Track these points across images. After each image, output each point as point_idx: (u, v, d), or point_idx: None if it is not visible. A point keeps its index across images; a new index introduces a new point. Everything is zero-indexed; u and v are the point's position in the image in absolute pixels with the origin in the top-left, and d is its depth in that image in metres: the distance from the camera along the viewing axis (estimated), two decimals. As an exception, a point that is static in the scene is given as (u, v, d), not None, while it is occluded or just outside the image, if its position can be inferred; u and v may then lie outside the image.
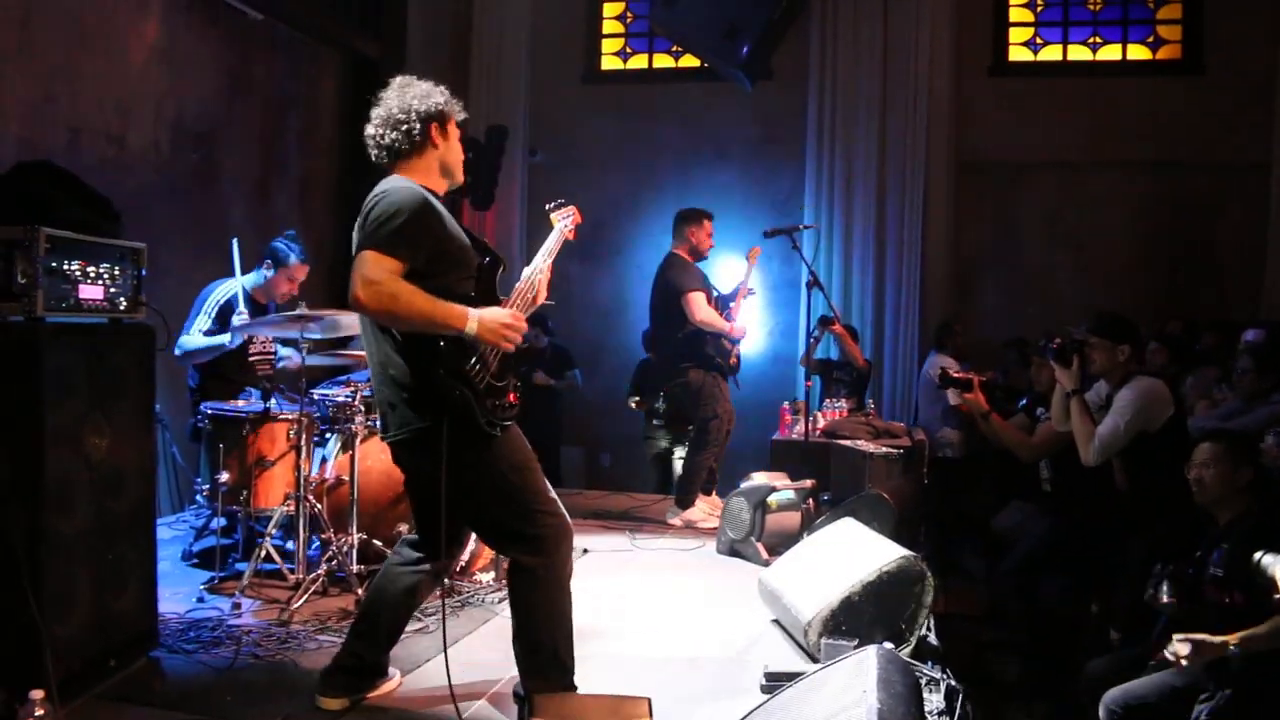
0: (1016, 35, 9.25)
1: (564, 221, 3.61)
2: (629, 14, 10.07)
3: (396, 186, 3.12)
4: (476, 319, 3.01)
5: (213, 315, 5.12)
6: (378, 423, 3.34)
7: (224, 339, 5.04)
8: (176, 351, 5.02)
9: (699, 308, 6.23)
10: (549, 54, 9.58)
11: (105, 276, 3.47)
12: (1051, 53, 9.22)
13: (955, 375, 5.93)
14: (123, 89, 5.94)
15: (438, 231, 3.10)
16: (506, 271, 3.36)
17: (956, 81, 8.90)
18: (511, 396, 3.21)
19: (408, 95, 3.28)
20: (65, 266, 3.29)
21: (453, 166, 3.36)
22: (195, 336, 5.10)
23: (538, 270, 3.43)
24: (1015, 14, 9.25)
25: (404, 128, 3.23)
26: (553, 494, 3.26)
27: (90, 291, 3.40)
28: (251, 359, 5.32)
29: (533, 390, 7.87)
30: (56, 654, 3.02)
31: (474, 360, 3.05)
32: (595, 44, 10.05)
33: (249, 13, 6.91)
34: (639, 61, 10.07)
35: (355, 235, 3.07)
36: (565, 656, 3.23)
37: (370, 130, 3.27)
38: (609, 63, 10.08)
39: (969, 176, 8.98)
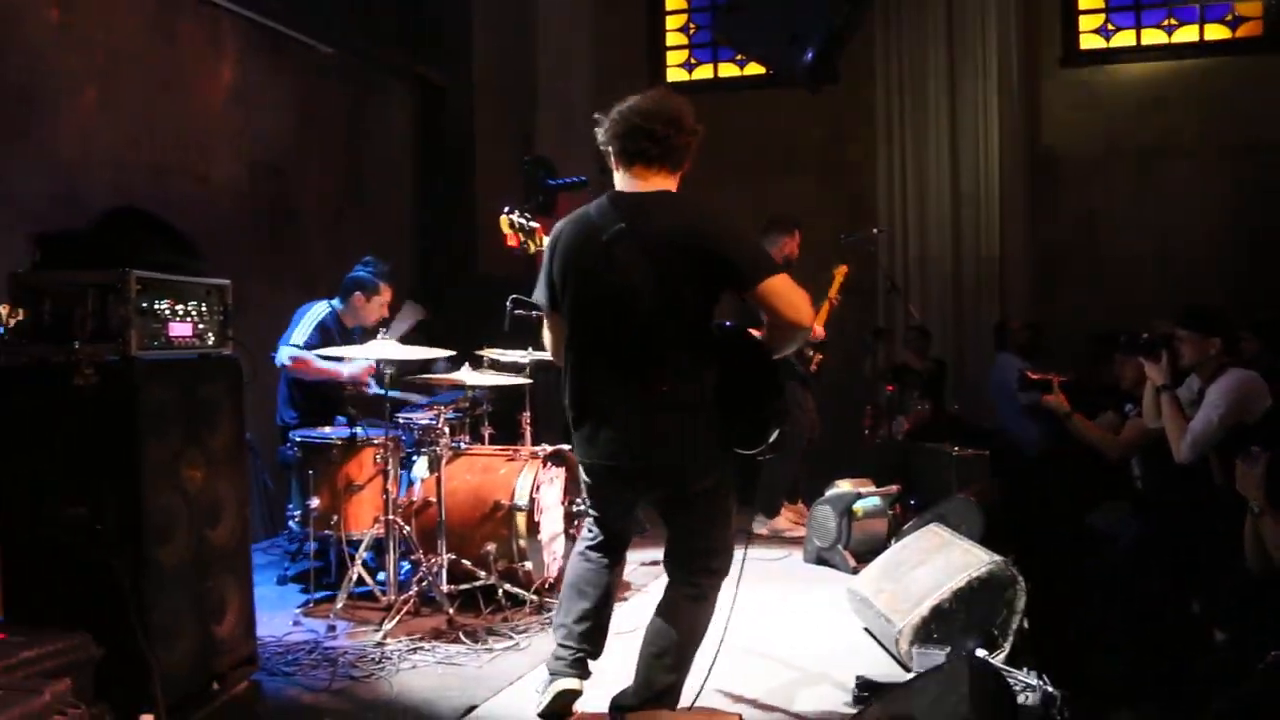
0: (1087, 23, 9.06)
1: None
2: (692, 25, 10.10)
3: (709, 205, 3.13)
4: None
5: (310, 328, 5.27)
6: (611, 445, 3.14)
7: (343, 367, 5.16)
8: (286, 360, 5.18)
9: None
10: (613, 69, 9.63)
11: (193, 313, 3.58)
12: (1124, 38, 9.01)
13: (1034, 377, 5.83)
14: (202, 129, 6.12)
15: None
16: None
17: (1027, 75, 8.75)
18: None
19: (688, 107, 3.17)
20: (155, 306, 3.40)
21: None
22: (310, 355, 5.21)
23: None
24: (1085, 0, 9.06)
25: (687, 140, 3.15)
26: None
27: (180, 329, 3.51)
28: (346, 391, 5.42)
29: None
30: (163, 680, 3.12)
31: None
32: (659, 57, 10.09)
33: (318, 47, 7.07)
34: (704, 72, 10.08)
35: (689, 256, 3.01)
36: (684, 682, 3.25)
37: (644, 122, 3.11)
38: (674, 74, 10.11)
39: (1044, 170, 8.82)
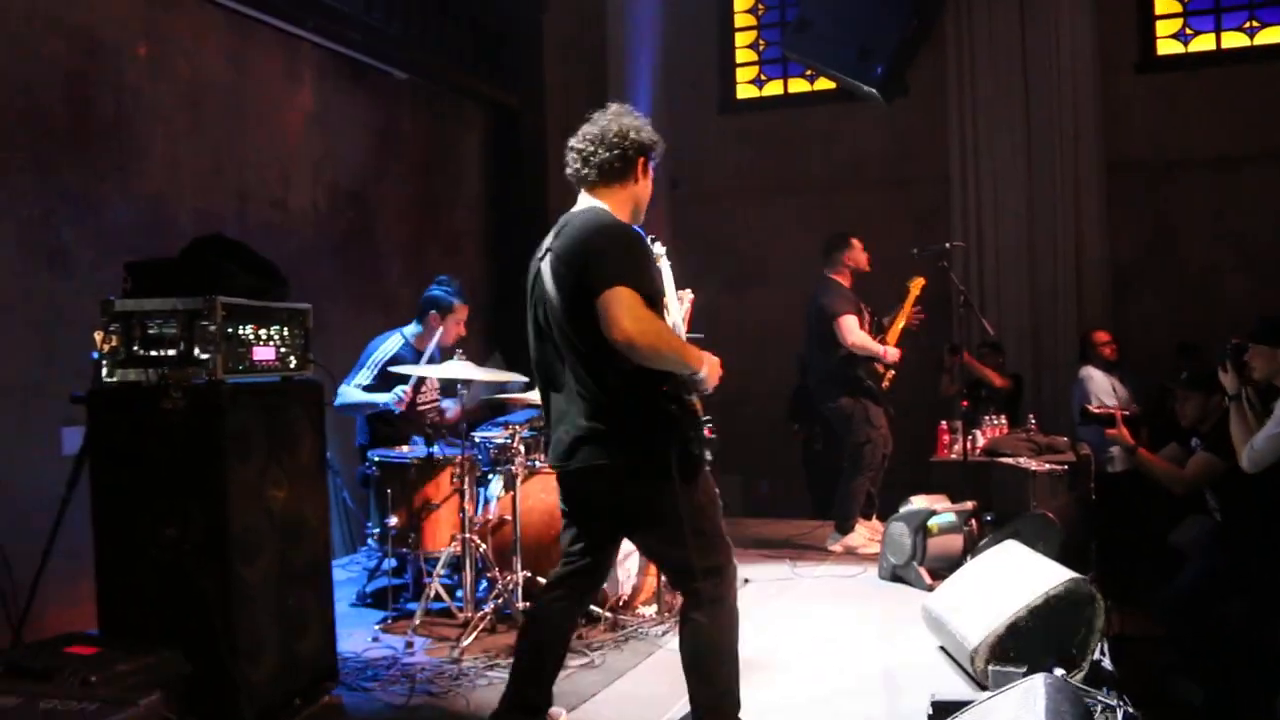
0: (1164, 28, 8.87)
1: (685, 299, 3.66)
2: (761, 41, 10.11)
3: (609, 219, 3.14)
4: (706, 362, 3.08)
5: (375, 372, 5.34)
6: (551, 453, 3.28)
7: (382, 398, 5.22)
8: (336, 402, 5.26)
9: (850, 331, 6.23)
10: (684, 88, 9.66)
11: (276, 338, 3.70)
12: (1204, 42, 8.81)
13: (1096, 411, 5.72)
14: (283, 156, 6.30)
15: (652, 266, 3.18)
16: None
17: (1102, 82, 8.59)
18: (708, 431, 3.29)
19: (625, 120, 3.26)
20: (240, 331, 3.52)
21: (642, 207, 3.33)
22: (354, 391, 5.32)
23: (679, 307, 3.49)
24: (1161, 4, 8.84)
25: (618, 151, 3.21)
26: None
27: (263, 352, 3.63)
28: (420, 408, 5.51)
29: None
30: (249, 695, 3.22)
31: (692, 396, 3.12)
32: (730, 74, 10.12)
33: (394, 73, 7.23)
34: (774, 88, 10.09)
35: (570, 269, 3.05)
36: (736, 690, 3.22)
37: (578, 144, 3.26)
38: (744, 91, 10.13)
39: (1121, 179, 8.64)
